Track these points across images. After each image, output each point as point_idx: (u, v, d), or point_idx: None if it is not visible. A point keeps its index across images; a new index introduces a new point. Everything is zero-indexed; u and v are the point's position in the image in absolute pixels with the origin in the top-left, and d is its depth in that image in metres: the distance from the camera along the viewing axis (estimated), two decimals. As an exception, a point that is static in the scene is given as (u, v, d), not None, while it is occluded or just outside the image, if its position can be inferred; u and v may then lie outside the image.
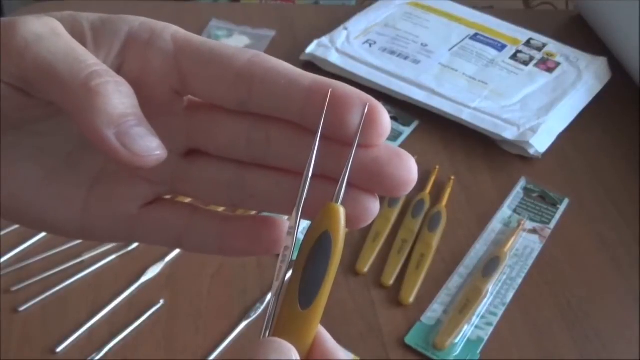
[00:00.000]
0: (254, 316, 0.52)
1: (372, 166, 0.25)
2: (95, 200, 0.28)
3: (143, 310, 0.52)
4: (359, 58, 0.75)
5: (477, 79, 0.74)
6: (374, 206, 0.25)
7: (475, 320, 0.52)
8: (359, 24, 0.81)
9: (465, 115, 0.69)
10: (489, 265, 0.56)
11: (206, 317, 0.52)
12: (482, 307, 0.53)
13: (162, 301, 0.52)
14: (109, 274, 0.54)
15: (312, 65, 0.76)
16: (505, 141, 0.68)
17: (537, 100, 0.71)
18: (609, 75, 0.77)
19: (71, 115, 0.23)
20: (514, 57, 0.78)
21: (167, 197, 0.29)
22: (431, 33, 0.80)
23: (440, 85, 0.72)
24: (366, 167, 0.25)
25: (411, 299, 0.54)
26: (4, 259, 0.54)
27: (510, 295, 0.55)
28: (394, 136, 0.69)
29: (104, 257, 0.55)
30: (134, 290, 0.53)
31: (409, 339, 0.51)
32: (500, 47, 0.79)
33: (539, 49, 0.79)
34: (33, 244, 0.55)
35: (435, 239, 0.58)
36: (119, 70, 0.25)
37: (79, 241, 0.55)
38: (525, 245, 0.59)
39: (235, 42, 0.81)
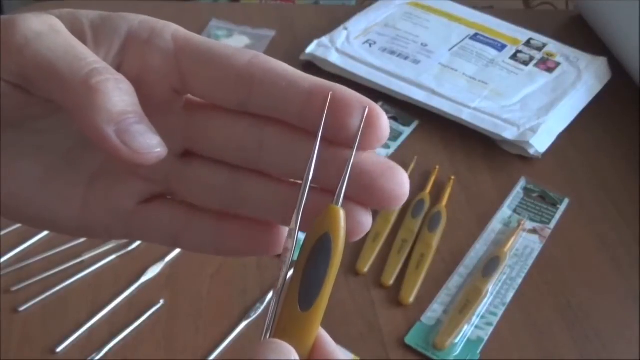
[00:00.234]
0: (254, 316, 0.52)
1: (363, 179, 0.24)
2: (94, 197, 0.28)
3: (143, 310, 0.52)
4: (359, 58, 0.75)
5: (477, 79, 0.74)
6: (367, 219, 0.25)
7: (475, 320, 0.52)
8: (359, 24, 0.81)
9: (465, 115, 0.69)
10: (489, 265, 0.56)
11: (206, 317, 0.52)
12: (482, 307, 0.53)
13: (162, 301, 0.52)
14: (109, 274, 0.54)
15: (312, 65, 0.76)
16: (505, 141, 0.68)
17: (537, 100, 0.71)
18: (609, 75, 0.77)
19: (71, 113, 0.23)
20: (514, 57, 0.78)
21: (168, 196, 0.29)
22: (431, 33, 0.80)
23: (440, 85, 0.72)
24: (358, 179, 0.25)
25: (411, 299, 0.54)
26: (4, 259, 0.54)
27: (510, 295, 0.55)
28: (394, 136, 0.69)
29: (104, 257, 0.55)
30: (134, 290, 0.53)
31: (409, 339, 0.51)
32: (500, 47, 0.79)
33: (539, 49, 0.79)
34: (33, 244, 0.55)
35: (435, 239, 0.58)
36: (118, 68, 0.25)
37: (79, 241, 0.55)
38: (525, 245, 0.59)
39: (235, 42, 0.81)
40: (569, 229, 0.61)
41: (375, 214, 0.26)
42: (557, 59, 0.78)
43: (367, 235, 0.59)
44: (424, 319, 0.53)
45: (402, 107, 0.72)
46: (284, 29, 0.84)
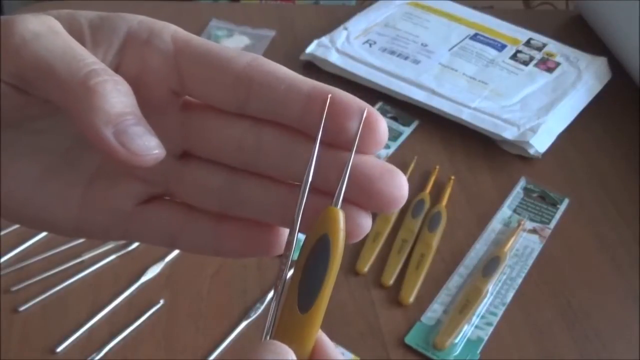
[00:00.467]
0: (254, 316, 0.52)
1: (362, 181, 0.25)
2: (92, 197, 0.28)
3: (143, 310, 0.52)
4: (359, 58, 0.75)
5: (477, 79, 0.74)
6: (366, 221, 0.25)
7: (475, 320, 0.52)
8: (359, 24, 0.81)
9: (465, 115, 0.69)
10: (489, 265, 0.56)
11: (206, 317, 0.52)
12: (482, 307, 0.53)
13: (162, 301, 0.52)
14: (109, 274, 0.54)
15: (312, 65, 0.76)
16: (505, 141, 0.68)
17: (537, 100, 0.71)
18: (609, 75, 0.77)
19: (69, 114, 0.23)
20: (514, 57, 0.78)
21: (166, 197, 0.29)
22: (431, 33, 0.80)
23: (440, 85, 0.72)
24: (357, 182, 0.25)
25: (411, 299, 0.54)
26: (4, 259, 0.54)
27: (510, 295, 0.55)
28: (394, 136, 0.69)
29: (104, 257, 0.55)
30: (134, 290, 0.53)
31: (409, 339, 0.51)
32: (500, 47, 0.79)
33: (539, 49, 0.79)
34: (33, 244, 0.55)
35: (435, 239, 0.58)
36: (117, 69, 0.25)
37: (79, 241, 0.55)
38: (525, 245, 0.59)
39: (235, 42, 0.81)
40: (569, 229, 0.61)
41: (375, 214, 0.26)
42: (557, 59, 0.78)
43: (367, 235, 0.58)
44: (424, 319, 0.53)
45: (402, 107, 0.72)
46: (284, 29, 0.84)
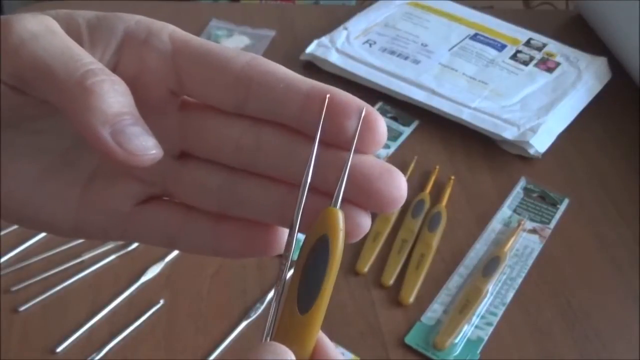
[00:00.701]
0: (254, 316, 0.52)
1: (361, 181, 0.24)
2: (90, 198, 0.28)
3: (143, 310, 0.52)
4: (359, 58, 0.75)
5: (477, 79, 0.74)
6: (365, 221, 0.25)
7: (475, 320, 0.52)
8: (359, 24, 0.81)
9: (465, 115, 0.69)
10: (489, 265, 0.56)
11: (206, 317, 0.52)
12: (482, 307, 0.53)
13: (162, 301, 0.52)
14: (109, 274, 0.54)
15: (312, 65, 0.76)
16: (505, 141, 0.68)
17: (537, 100, 0.71)
18: (609, 75, 0.77)
19: (66, 114, 0.23)
20: (514, 57, 0.78)
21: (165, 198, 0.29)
22: (431, 33, 0.80)
23: (440, 85, 0.72)
24: (356, 181, 0.25)
25: (411, 299, 0.54)
26: (4, 259, 0.54)
27: (510, 295, 0.55)
28: (394, 136, 0.69)
29: (104, 257, 0.55)
30: (134, 290, 0.53)
31: (409, 339, 0.51)
32: (500, 47, 0.79)
33: (539, 49, 0.79)
34: (33, 244, 0.55)
35: (435, 239, 0.58)
36: (114, 69, 0.25)
37: (79, 241, 0.55)
38: (525, 245, 0.59)
39: (235, 42, 0.81)
40: (569, 229, 0.61)
41: (374, 214, 0.26)
42: (557, 59, 0.78)
43: (367, 235, 0.58)
44: (424, 319, 0.53)
45: (402, 107, 0.72)
46: (284, 29, 0.84)
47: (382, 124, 0.25)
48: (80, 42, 0.25)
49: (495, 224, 0.61)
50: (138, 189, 0.28)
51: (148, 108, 0.25)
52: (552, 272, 0.57)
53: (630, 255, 0.59)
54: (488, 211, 0.62)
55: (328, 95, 0.25)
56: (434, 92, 0.71)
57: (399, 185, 0.24)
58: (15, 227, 0.56)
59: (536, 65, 0.77)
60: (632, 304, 0.55)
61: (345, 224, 0.25)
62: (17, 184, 0.27)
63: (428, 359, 0.50)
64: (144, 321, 0.51)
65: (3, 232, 0.56)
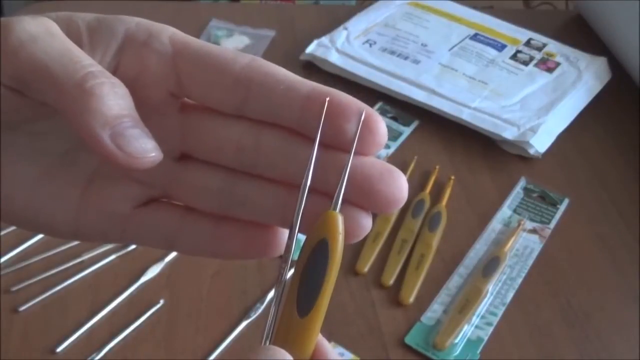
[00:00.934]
0: (254, 316, 0.52)
1: (362, 182, 0.24)
2: (90, 200, 0.27)
3: (143, 310, 0.52)
4: (359, 58, 0.75)
5: (477, 79, 0.74)
6: (366, 222, 0.25)
7: (475, 320, 0.52)
8: (359, 24, 0.81)
9: (465, 115, 0.69)
10: (489, 265, 0.56)
11: (206, 317, 0.52)
12: (482, 307, 0.53)
13: (162, 301, 0.52)
14: (109, 274, 0.54)
15: (312, 65, 0.76)
16: (505, 141, 0.68)
17: (537, 100, 0.71)
18: (609, 75, 0.77)
19: (66, 116, 0.23)
20: (514, 57, 0.78)
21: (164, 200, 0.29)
22: (431, 33, 0.80)
23: (440, 85, 0.72)
24: (357, 183, 0.24)
25: (411, 299, 0.54)
26: (4, 259, 0.54)
27: (510, 295, 0.55)
28: (394, 136, 0.69)
29: (104, 257, 0.55)
30: (134, 290, 0.53)
31: (409, 339, 0.51)
32: (500, 47, 0.79)
33: (539, 49, 0.79)
34: (33, 244, 0.56)
35: (435, 239, 0.58)
36: (115, 71, 0.25)
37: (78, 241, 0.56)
38: (525, 245, 0.59)
39: (235, 42, 0.81)
40: (569, 229, 0.61)
41: (375, 215, 0.26)
42: (557, 59, 0.78)
43: (367, 235, 0.58)
44: (424, 319, 0.53)
45: (402, 107, 0.72)
46: (284, 29, 0.84)
47: (382, 126, 0.25)
48: (80, 44, 0.25)
49: (495, 224, 0.61)
50: (138, 191, 0.28)
51: (148, 110, 0.25)
52: (552, 272, 0.57)
53: (630, 255, 0.59)
54: (488, 211, 0.62)
55: (328, 98, 0.25)
56: (434, 92, 0.71)
57: (400, 185, 0.24)
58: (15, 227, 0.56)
59: (536, 65, 0.77)
60: (632, 304, 0.55)
61: (346, 225, 0.25)
62: (16, 186, 0.27)
63: (428, 359, 0.50)
64: (144, 321, 0.51)
65: (3, 232, 0.56)
